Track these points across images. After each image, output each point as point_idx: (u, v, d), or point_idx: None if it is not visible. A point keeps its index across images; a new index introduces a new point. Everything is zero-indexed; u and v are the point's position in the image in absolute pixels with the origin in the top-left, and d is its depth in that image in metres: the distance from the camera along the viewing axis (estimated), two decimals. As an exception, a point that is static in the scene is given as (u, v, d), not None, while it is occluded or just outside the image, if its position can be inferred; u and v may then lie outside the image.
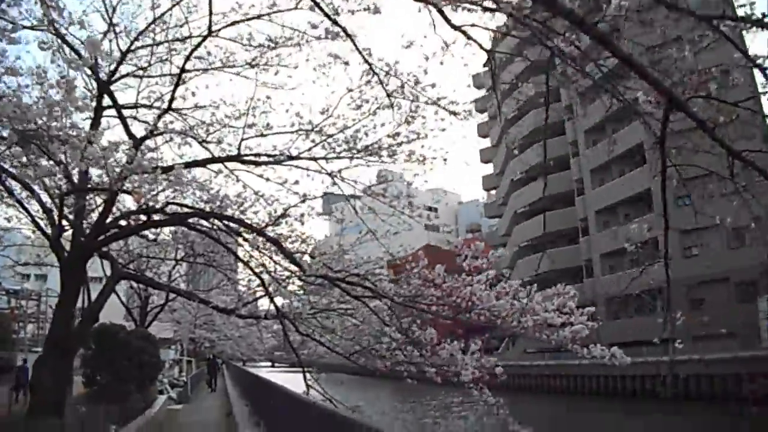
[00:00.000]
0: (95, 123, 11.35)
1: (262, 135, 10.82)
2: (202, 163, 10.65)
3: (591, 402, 43.96)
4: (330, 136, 10.93)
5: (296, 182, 11.25)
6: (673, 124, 6.19)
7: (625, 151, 53.21)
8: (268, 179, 11.72)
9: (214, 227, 11.34)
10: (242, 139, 10.72)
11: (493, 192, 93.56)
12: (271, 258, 11.61)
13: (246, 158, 10.76)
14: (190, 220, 11.24)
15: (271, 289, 10.35)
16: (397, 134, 11.16)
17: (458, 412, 40.77)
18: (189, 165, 10.14)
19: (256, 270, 10.90)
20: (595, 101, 9.82)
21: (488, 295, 8.98)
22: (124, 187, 9.44)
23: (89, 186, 10.88)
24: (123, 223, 12.57)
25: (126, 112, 12.31)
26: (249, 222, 10.54)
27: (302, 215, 10.77)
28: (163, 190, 12.40)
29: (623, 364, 8.11)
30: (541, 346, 59.96)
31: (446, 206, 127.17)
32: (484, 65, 11.29)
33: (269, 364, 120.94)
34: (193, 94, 11.72)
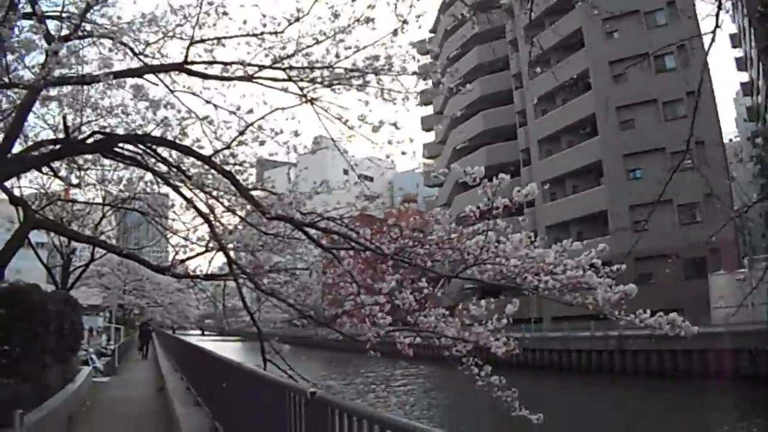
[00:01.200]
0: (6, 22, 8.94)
1: (215, 39, 8.45)
2: (135, 73, 8.22)
3: (533, 376, 42.97)
4: (300, 50, 8.66)
5: (250, 111, 9.01)
6: None
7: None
8: (216, 106, 9.50)
9: (148, 158, 9.01)
10: (190, 44, 8.33)
11: (430, 162, 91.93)
12: (218, 200, 9.41)
13: (193, 68, 8.40)
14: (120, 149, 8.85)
15: (223, 238, 8.09)
16: (377, 57, 9.10)
17: (399, 386, 39.22)
18: (119, 75, 7.79)
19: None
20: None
21: (518, 243, 6.94)
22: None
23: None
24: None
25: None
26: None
27: (262, 143, 8.52)
28: (89, 122, 10.12)
29: (689, 334, 6.20)
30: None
31: (381, 176, 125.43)
32: (431, 30, 9.05)
33: (199, 332, 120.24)
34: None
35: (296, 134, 8.26)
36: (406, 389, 37.64)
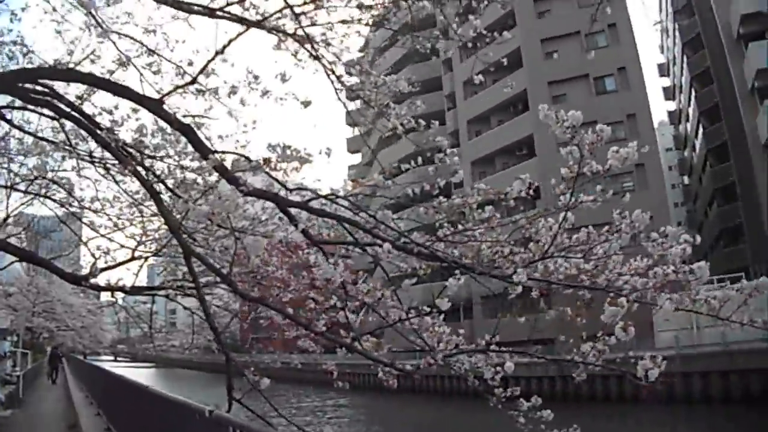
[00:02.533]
0: None
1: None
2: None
3: (468, 406, 40.98)
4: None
5: (208, 68, 6.61)
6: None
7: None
8: (162, 57, 7.11)
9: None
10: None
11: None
12: (155, 175, 6.95)
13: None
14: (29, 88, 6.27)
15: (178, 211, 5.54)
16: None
17: (333, 417, 36.74)
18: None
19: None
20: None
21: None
22: None
23: None
24: None
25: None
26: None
27: (233, 91, 6.11)
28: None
29: None
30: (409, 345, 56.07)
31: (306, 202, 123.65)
32: (360, 50, 7.12)
33: (112, 357, 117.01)
34: None
35: (283, 79, 5.89)
36: (347, 421, 35.22)
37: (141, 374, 68.94)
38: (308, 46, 6.28)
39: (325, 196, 5.64)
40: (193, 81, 6.01)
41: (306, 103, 5.90)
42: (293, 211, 5.70)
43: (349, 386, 7.55)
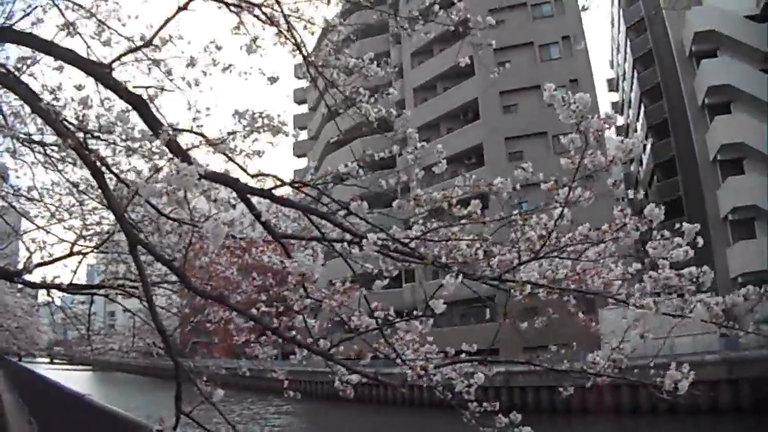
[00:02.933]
0: None
1: None
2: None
3: (416, 415, 40.66)
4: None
5: (155, 40, 5.93)
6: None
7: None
8: (113, 31, 6.45)
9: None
10: None
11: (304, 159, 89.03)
12: (100, 159, 6.27)
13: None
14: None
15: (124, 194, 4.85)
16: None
17: (277, 426, 35.89)
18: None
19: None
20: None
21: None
22: None
23: None
24: None
25: None
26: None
27: (191, 62, 5.48)
28: None
29: None
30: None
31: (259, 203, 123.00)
32: (320, 40, 6.64)
33: (48, 360, 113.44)
34: None
35: (251, 48, 5.27)
36: (291, 429, 34.46)
37: (78, 378, 66.91)
38: (280, 24, 5.70)
39: (290, 183, 5.05)
40: (148, 43, 5.36)
41: (273, 79, 5.32)
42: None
43: (300, 395, 7.00)
